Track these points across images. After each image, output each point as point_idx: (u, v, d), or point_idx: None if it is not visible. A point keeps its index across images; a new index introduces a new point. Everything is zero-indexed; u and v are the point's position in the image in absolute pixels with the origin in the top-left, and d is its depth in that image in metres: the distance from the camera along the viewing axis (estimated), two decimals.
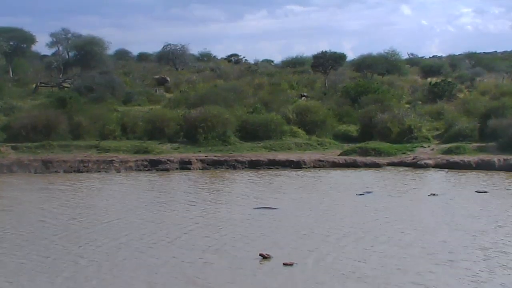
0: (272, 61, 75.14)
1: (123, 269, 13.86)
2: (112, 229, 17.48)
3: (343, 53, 56.29)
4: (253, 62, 69.40)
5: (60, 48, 57.68)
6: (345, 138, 33.93)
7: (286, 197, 21.95)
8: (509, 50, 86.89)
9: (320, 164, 28.97)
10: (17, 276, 13.44)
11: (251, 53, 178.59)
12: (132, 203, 21.18)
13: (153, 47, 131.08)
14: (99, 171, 28.10)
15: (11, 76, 49.79)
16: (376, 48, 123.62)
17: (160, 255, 14.82)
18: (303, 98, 42.40)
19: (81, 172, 28.03)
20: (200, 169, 28.55)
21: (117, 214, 19.46)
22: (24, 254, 15.02)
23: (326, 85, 48.09)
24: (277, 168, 28.51)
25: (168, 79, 49.76)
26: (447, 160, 28.38)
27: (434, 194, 21.74)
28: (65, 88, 44.55)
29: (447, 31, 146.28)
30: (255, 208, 19.93)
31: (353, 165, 28.78)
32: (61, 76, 49.35)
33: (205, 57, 71.09)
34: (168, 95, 45.12)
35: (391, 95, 39.97)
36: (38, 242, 16.09)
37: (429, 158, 28.81)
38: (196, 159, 29.07)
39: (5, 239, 16.55)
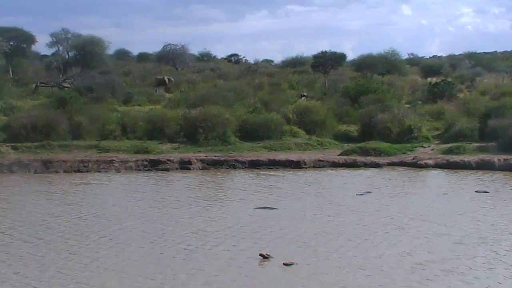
0: (272, 61, 75.29)
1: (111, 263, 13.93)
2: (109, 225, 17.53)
3: (343, 53, 56.48)
4: (253, 62, 69.56)
5: (60, 48, 57.93)
6: (345, 138, 33.90)
7: (286, 197, 21.94)
8: (509, 50, 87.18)
9: (320, 164, 28.94)
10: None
11: (251, 53, 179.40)
12: (132, 203, 21.19)
13: (153, 47, 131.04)
14: (99, 171, 28.09)
15: (11, 76, 49.85)
16: (376, 48, 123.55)
17: (157, 255, 14.85)
18: (303, 98, 42.39)
19: (81, 172, 28.02)
20: (200, 169, 28.53)
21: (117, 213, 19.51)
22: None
23: (326, 85, 48.11)
24: (277, 168, 28.48)
25: (173, 80, 49.68)
26: (447, 160, 28.36)
27: (445, 194, 22.02)
28: (65, 88, 44.55)
29: (447, 31, 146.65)
30: (255, 208, 19.94)
31: (353, 165, 28.75)
32: (61, 76, 49.41)
33: (205, 57, 71.17)
34: (168, 95, 45.12)
35: (391, 95, 39.93)
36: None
37: (429, 158, 28.80)
38: (196, 159, 29.05)
39: None
